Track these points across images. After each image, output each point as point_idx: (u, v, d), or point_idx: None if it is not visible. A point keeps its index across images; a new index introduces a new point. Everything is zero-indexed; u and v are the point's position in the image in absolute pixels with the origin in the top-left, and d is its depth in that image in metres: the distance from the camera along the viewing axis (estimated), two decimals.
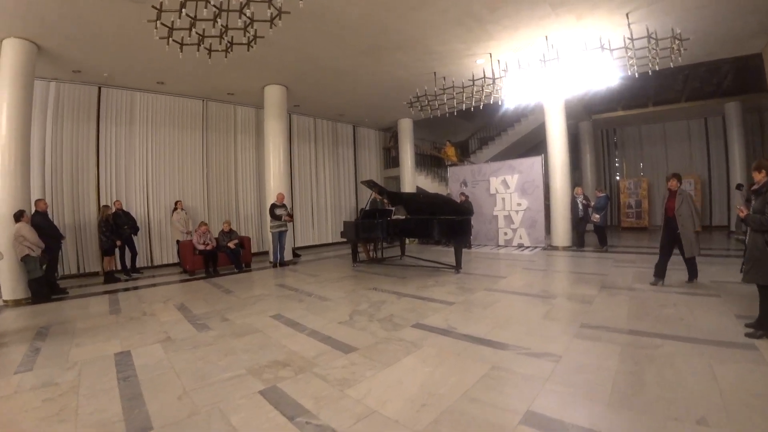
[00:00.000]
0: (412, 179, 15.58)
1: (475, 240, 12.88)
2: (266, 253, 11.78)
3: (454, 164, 15.23)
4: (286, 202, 10.90)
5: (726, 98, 14.04)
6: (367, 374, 3.51)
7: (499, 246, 12.46)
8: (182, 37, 5.74)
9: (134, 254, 9.96)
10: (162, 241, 11.13)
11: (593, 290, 6.25)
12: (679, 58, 7.72)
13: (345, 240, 10.93)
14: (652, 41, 7.27)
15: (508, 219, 12.46)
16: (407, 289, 7.04)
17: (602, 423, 2.59)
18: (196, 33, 5.73)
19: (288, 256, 11.01)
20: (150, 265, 10.87)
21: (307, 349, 4.22)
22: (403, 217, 9.66)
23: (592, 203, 11.23)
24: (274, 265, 10.42)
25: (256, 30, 5.87)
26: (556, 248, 11.33)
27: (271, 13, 5.53)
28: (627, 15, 7.39)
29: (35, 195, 8.36)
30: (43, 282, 7.29)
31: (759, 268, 3.93)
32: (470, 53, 9.13)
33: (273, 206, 10.36)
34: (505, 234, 12.52)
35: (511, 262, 9.50)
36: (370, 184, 9.88)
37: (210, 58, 6.34)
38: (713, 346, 3.75)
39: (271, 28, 5.71)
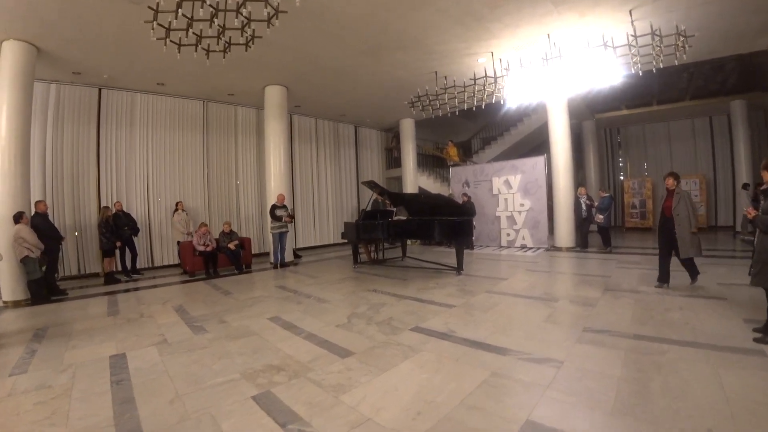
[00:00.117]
0: (414, 180, 15.50)
1: (478, 241, 12.78)
2: (267, 254, 11.71)
3: (456, 164, 15.12)
4: (287, 202, 10.85)
5: (731, 96, 13.88)
6: (362, 380, 3.42)
7: (501, 247, 12.34)
8: (180, 38, 5.68)
9: (134, 255, 9.94)
10: (163, 242, 11.10)
11: (596, 293, 6.14)
12: (684, 56, 7.59)
13: (346, 241, 10.83)
14: (656, 38, 7.15)
15: (511, 220, 12.34)
16: (407, 291, 6.96)
17: None
18: (193, 33, 5.65)
19: (289, 257, 10.96)
20: (151, 266, 10.84)
21: (303, 353, 4.15)
22: (404, 218, 9.58)
23: (596, 203, 11.14)
24: (275, 266, 10.36)
25: (254, 30, 5.82)
26: (559, 249, 11.21)
27: (268, 13, 5.47)
28: (630, 12, 7.28)
29: (36, 196, 8.38)
30: (43, 283, 7.30)
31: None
32: (471, 52, 9.03)
33: (273, 207, 10.29)
34: (508, 235, 12.41)
35: (513, 264, 9.39)
36: (371, 185, 9.80)
37: (208, 58, 6.29)
38: (720, 352, 3.64)
39: (268, 27, 5.66)
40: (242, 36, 5.88)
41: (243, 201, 12.80)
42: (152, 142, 11.01)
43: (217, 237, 9.96)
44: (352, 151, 16.48)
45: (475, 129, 18.97)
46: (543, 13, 7.37)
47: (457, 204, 10.52)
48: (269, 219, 10.46)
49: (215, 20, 5.46)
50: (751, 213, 4.03)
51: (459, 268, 8.28)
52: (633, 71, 8.11)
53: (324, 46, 8.52)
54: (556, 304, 5.67)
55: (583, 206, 11.02)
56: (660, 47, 7.30)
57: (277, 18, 5.58)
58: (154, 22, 5.23)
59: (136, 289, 8.26)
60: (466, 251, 10.94)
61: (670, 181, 6.16)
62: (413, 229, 8.83)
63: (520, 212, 12.14)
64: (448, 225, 8.10)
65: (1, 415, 3.05)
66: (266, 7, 5.31)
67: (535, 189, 11.84)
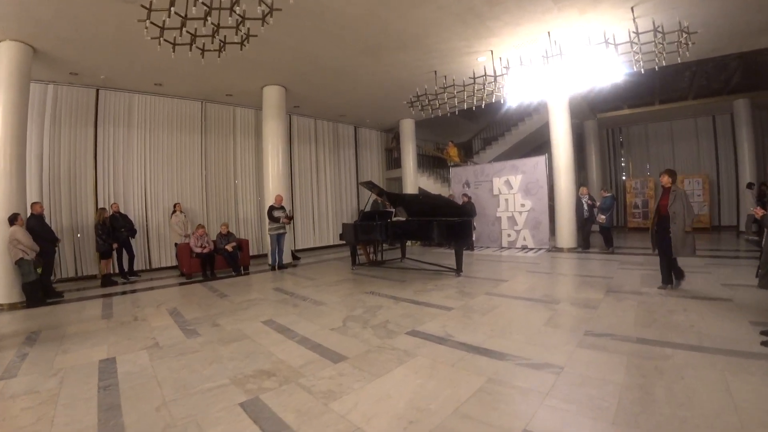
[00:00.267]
0: (414, 180, 15.40)
1: (478, 242, 12.66)
2: (266, 255, 11.60)
3: (456, 165, 15.00)
4: (286, 204, 10.76)
5: (734, 95, 13.75)
6: (354, 386, 3.30)
7: (502, 248, 12.21)
8: (174, 37, 5.57)
9: (132, 257, 9.84)
10: (161, 243, 11.02)
11: (598, 294, 6.01)
12: (687, 53, 7.46)
13: (345, 242, 10.73)
14: (659, 35, 7.02)
15: (512, 220, 12.21)
16: (405, 293, 6.83)
17: None
18: (187, 32, 5.54)
19: (287, 258, 10.85)
20: (148, 268, 10.76)
21: (295, 357, 4.03)
22: (404, 218, 9.48)
23: (598, 203, 11.01)
24: (273, 268, 10.25)
25: (248, 29, 5.71)
26: (560, 250, 11.09)
27: (263, 11, 5.37)
28: (632, 9, 7.16)
29: (33, 198, 8.34)
30: (38, 285, 7.23)
31: None
32: (471, 51, 8.92)
33: (271, 208, 10.19)
34: (509, 236, 12.28)
35: (514, 265, 9.26)
36: (370, 186, 9.70)
37: (203, 58, 6.19)
38: (727, 356, 3.50)
39: (263, 26, 5.55)
40: (237, 35, 5.77)
41: (241, 202, 12.70)
42: (150, 143, 10.92)
43: (215, 239, 9.86)
44: (351, 152, 16.37)
45: (475, 129, 18.86)
46: (543, 10, 7.26)
47: (457, 204, 10.41)
48: (267, 220, 10.34)
49: (209, 18, 5.36)
50: (759, 212, 3.89)
51: (458, 270, 8.16)
52: (635, 69, 7.97)
53: (323, 46, 8.42)
54: (557, 306, 5.53)
55: (585, 206, 10.89)
56: (662, 44, 7.17)
57: (271, 16, 5.48)
58: (148, 21, 5.12)
59: (133, 291, 8.17)
60: (466, 252, 10.86)
61: (666, 179, 6.02)
62: (412, 230, 8.73)
63: (521, 213, 12.00)
64: (447, 226, 7.97)
65: None
66: (260, 5, 5.19)
67: (536, 189, 11.71)
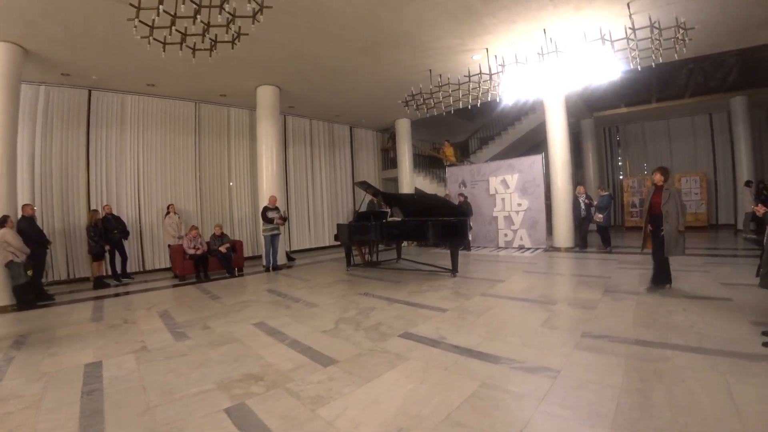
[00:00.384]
0: (410, 180, 15.29)
1: (475, 242, 12.57)
2: (260, 256, 11.47)
3: (452, 164, 14.91)
4: (281, 204, 10.66)
5: (731, 93, 13.70)
6: (343, 391, 3.19)
7: (499, 248, 12.11)
8: (165, 37, 5.46)
9: (124, 259, 9.74)
10: (154, 245, 10.90)
11: (596, 294, 5.90)
12: (684, 49, 7.38)
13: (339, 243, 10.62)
14: (656, 31, 6.93)
15: (509, 220, 12.11)
16: (400, 294, 6.71)
17: None
18: (177, 31, 5.43)
19: (282, 259, 10.76)
20: (142, 270, 10.64)
21: (284, 361, 3.92)
22: (399, 219, 9.38)
23: (595, 202, 10.93)
24: (267, 270, 10.14)
25: (240, 27, 5.61)
26: (557, 249, 11.00)
27: (253, 8, 5.28)
28: (628, 5, 7.08)
29: (24, 200, 8.24)
30: (29, 288, 7.15)
31: None
32: (466, 49, 8.83)
33: (265, 209, 10.08)
34: (506, 235, 12.18)
35: (510, 265, 9.15)
36: (364, 186, 9.60)
37: (194, 57, 6.07)
38: (728, 358, 3.40)
39: (253, 23, 5.46)
40: (227, 33, 5.67)
41: (236, 203, 12.57)
42: (143, 144, 10.82)
43: (208, 240, 9.74)
44: (347, 152, 16.26)
45: (472, 129, 18.79)
46: (538, 7, 7.18)
47: (453, 204, 10.31)
48: (261, 221, 10.23)
49: (198, 17, 5.25)
50: (761, 210, 3.77)
51: (454, 270, 8.05)
52: (632, 66, 7.89)
53: (316, 45, 8.33)
54: (554, 307, 5.42)
55: (582, 205, 10.81)
56: (659, 40, 7.08)
57: (261, 14, 5.40)
58: (137, 20, 5.02)
59: (125, 293, 8.05)
60: (463, 253, 10.78)
61: (658, 177, 5.89)
62: (406, 231, 8.62)
63: (517, 212, 11.91)
64: (443, 226, 7.86)
65: None
66: (250, 2, 5.09)
67: (533, 188, 11.62)
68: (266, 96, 10.87)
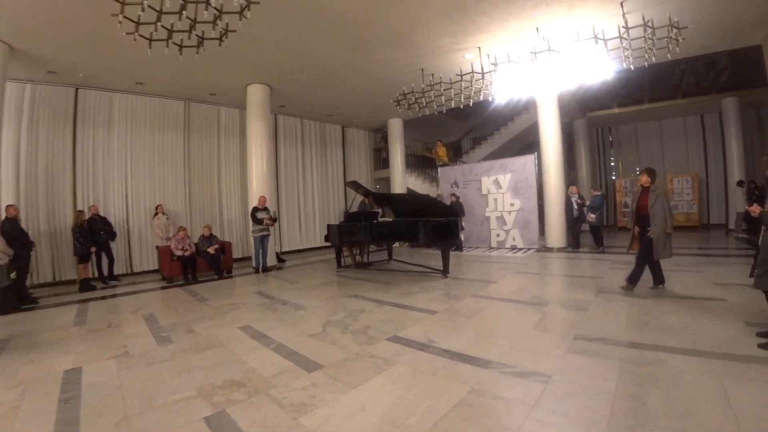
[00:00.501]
0: (402, 180, 15.18)
1: (467, 242, 12.49)
2: (250, 258, 11.33)
3: (445, 164, 14.83)
4: (271, 205, 10.53)
5: (723, 94, 13.72)
6: (328, 398, 3.07)
7: (491, 248, 12.03)
8: (151, 33, 5.32)
9: (111, 261, 9.53)
10: (142, 246, 10.72)
11: (589, 295, 5.82)
12: (677, 49, 7.33)
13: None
14: (649, 30, 6.87)
15: (501, 220, 12.03)
16: (389, 296, 6.59)
17: None
18: (163, 27, 5.30)
19: (272, 261, 10.62)
20: (129, 272, 10.46)
21: (268, 366, 3.79)
22: (390, 219, 9.27)
23: (588, 202, 10.89)
24: (256, 271, 10.00)
25: (227, 24, 5.50)
26: (550, 250, 10.94)
27: (240, 4, 5.16)
28: (621, 4, 7.03)
29: (8, 200, 8.03)
30: (12, 291, 6.88)
31: None
32: (458, 47, 8.75)
33: (255, 210, 9.94)
34: (498, 236, 12.10)
35: (502, 265, 9.07)
36: (355, 186, 9.50)
37: (181, 54, 5.95)
38: (723, 360, 3.31)
39: (240, 20, 5.35)
40: (214, 30, 5.55)
41: (226, 204, 12.40)
42: (131, 143, 10.63)
43: (197, 241, 9.59)
44: (339, 152, 16.13)
45: (465, 129, 18.73)
46: (531, 5, 7.10)
47: (444, 204, 10.22)
48: (251, 222, 10.10)
49: (184, 12, 5.13)
50: (756, 210, 3.68)
51: (445, 271, 7.94)
52: (625, 66, 7.84)
53: (307, 42, 8.21)
54: (546, 308, 5.32)
55: (575, 205, 10.76)
56: (652, 40, 7.03)
57: (248, 10, 5.29)
58: (121, 15, 4.88)
59: (111, 296, 7.89)
60: (455, 253, 10.70)
61: (645, 178, 5.81)
62: (397, 231, 8.52)
63: (510, 212, 11.83)
64: (433, 227, 7.75)
65: None
66: None
67: (526, 188, 11.55)
68: (256, 95, 10.73)
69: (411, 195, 12.86)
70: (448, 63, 9.48)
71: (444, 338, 4.31)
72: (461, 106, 10.14)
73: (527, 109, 14.53)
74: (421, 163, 17.18)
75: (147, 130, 10.89)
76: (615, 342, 3.89)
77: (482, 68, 8.76)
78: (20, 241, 7.29)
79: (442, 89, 9.53)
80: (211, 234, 9.72)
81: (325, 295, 6.94)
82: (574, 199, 10.81)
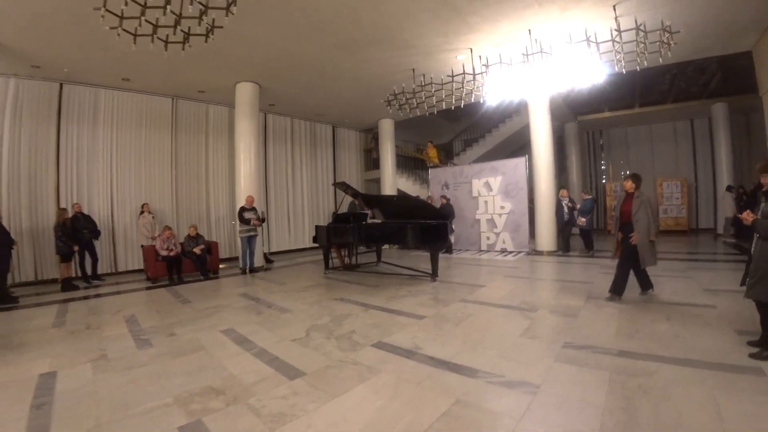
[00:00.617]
0: (393, 182, 15.07)
1: (457, 245, 12.41)
2: (238, 258, 11.18)
3: (435, 166, 14.75)
4: (260, 205, 10.38)
5: (712, 99, 13.79)
6: (308, 407, 2.95)
7: (481, 251, 11.96)
8: (135, 28, 5.17)
9: (95, 260, 9.34)
10: (127, 246, 10.50)
11: (579, 301, 5.75)
12: (669, 53, 7.29)
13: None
14: (641, 34, 6.83)
15: (491, 223, 11.97)
16: (377, 299, 6.48)
17: None
18: (147, 21, 5.14)
19: (260, 261, 10.46)
20: (114, 271, 10.25)
21: (249, 373, 3.67)
22: (379, 221, 9.16)
23: (578, 206, 10.87)
24: (243, 272, 9.85)
25: (214, 19, 5.36)
26: (540, 253, 10.89)
27: (227, 0, 5.03)
28: (614, 7, 6.98)
29: None
30: None
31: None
32: (450, 48, 8.66)
33: (242, 209, 9.78)
34: (488, 238, 12.04)
35: (492, 269, 9.00)
36: (343, 187, 9.38)
37: (166, 50, 5.78)
38: (715, 371, 3.24)
39: (227, 15, 5.22)
40: (200, 25, 5.40)
41: (213, 203, 12.21)
42: (117, 140, 10.40)
43: (183, 241, 9.42)
44: (329, 152, 15.99)
45: (456, 131, 18.69)
46: (524, 6, 7.01)
47: (432, 207, 10.13)
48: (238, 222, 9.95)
49: (168, 7, 4.98)
50: (749, 218, 3.59)
51: (434, 275, 7.85)
52: (617, 69, 7.78)
53: (297, 40, 8.07)
54: (535, 314, 5.24)
55: (565, 209, 10.75)
56: (644, 44, 6.99)
57: (235, 5, 5.16)
58: (103, 8, 4.72)
59: (94, 296, 7.71)
60: (445, 256, 10.61)
61: (629, 184, 5.69)
62: (385, 233, 8.43)
63: (500, 215, 11.78)
64: (422, 229, 7.66)
65: None
66: None
67: (516, 191, 11.50)
68: (245, 93, 10.55)
69: (400, 196, 12.75)
70: (439, 64, 9.40)
71: (430, 345, 4.21)
72: (452, 108, 10.07)
73: (518, 111, 14.51)
74: (412, 164, 17.10)
75: (133, 127, 10.67)
76: (604, 350, 3.81)
77: (474, 69, 8.67)
78: (1, 239, 7.13)
79: (433, 90, 9.44)
80: (197, 234, 9.56)
81: (311, 298, 6.82)
82: (565, 202, 10.80)
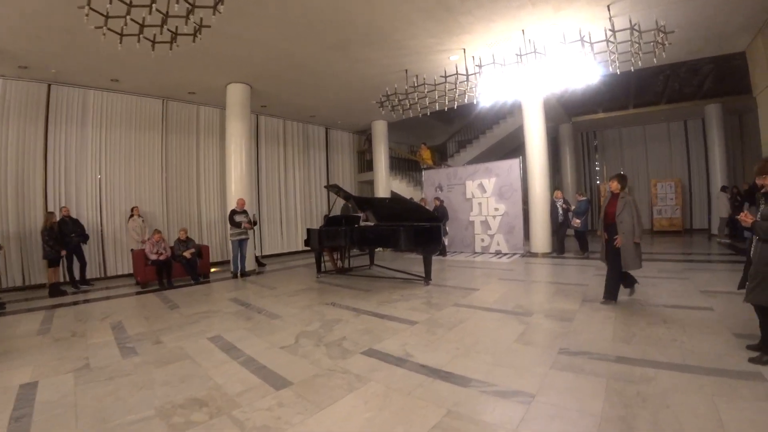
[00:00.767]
0: (386, 183, 14.97)
1: (451, 247, 12.31)
2: (230, 262, 11.03)
3: (429, 167, 14.66)
4: (252, 208, 10.25)
5: (706, 100, 13.82)
6: (293, 420, 2.83)
7: (475, 253, 11.87)
8: (121, 27, 5.04)
9: (83, 264, 9.16)
10: (117, 250, 10.34)
11: (574, 304, 5.66)
12: (663, 54, 7.23)
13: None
14: (635, 34, 6.77)
15: (485, 225, 11.89)
16: (368, 304, 6.36)
17: None
18: (132, 20, 5.02)
19: (251, 265, 10.32)
20: (103, 276, 10.08)
21: (235, 382, 3.55)
22: (372, 223, 9.05)
23: (573, 207, 10.81)
24: (234, 276, 9.71)
25: (201, 18, 5.24)
26: (535, 255, 10.81)
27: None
28: (608, 7, 6.91)
29: None
30: None
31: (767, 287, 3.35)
32: (443, 48, 8.58)
33: (233, 212, 9.64)
34: (482, 240, 11.95)
35: (486, 271, 8.90)
36: (335, 189, 9.27)
37: (153, 50, 5.64)
38: (714, 377, 3.15)
39: (214, 14, 5.09)
40: (187, 24, 5.28)
41: (204, 206, 12.05)
42: (106, 142, 10.24)
43: (173, 245, 9.27)
44: (322, 154, 15.86)
45: (450, 132, 18.63)
46: (517, 6, 6.94)
47: (425, 209, 10.01)
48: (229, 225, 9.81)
49: (154, 5, 4.86)
50: (748, 219, 3.50)
51: (427, 278, 7.74)
52: (611, 70, 7.74)
53: (288, 40, 7.96)
54: (530, 319, 5.13)
55: (560, 210, 10.69)
56: (639, 44, 6.93)
57: (222, 4, 5.05)
58: (87, 7, 4.60)
59: (82, 302, 7.54)
60: (438, 258, 10.50)
61: (614, 184, 5.56)
62: (378, 236, 8.32)
63: (494, 217, 11.70)
64: (415, 232, 7.55)
65: None
66: None
67: (510, 193, 11.42)
68: (236, 94, 10.41)
69: (393, 199, 12.65)
70: (432, 64, 9.31)
71: (422, 352, 4.10)
72: (446, 109, 9.99)
73: (512, 112, 14.45)
74: (406, 166, 17.01)
75: (123, 129, 10.51)
76: (601, 356, 3.72)
77: (467, 70, 8.60)
78: None
79: (426, 91, 9.35)
80: (187, 237, 9.42)
81: (302, 303, 6.69)
82: (559, 203, 10.75)
